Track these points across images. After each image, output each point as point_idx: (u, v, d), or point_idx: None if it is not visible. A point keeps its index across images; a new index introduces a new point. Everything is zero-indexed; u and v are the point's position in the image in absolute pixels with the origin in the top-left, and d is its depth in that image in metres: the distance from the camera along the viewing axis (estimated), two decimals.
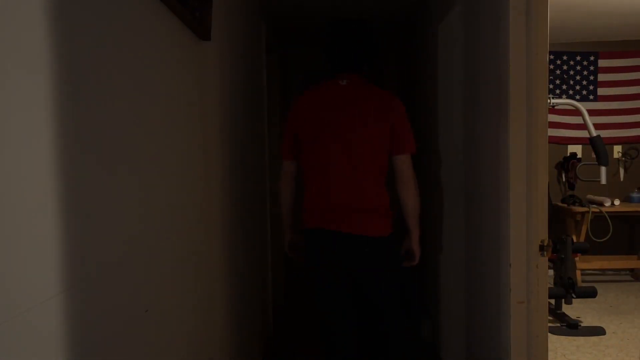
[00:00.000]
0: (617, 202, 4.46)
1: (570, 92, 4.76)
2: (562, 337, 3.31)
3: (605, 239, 4.46)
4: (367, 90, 2.03)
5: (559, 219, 4.64)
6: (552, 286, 3.65)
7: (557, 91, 4.77)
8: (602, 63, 4.74)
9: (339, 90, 2.03)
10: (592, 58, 4.74)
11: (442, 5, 2.80)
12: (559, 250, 3.61)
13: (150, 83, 1.16)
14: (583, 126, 3.86)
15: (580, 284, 4.38)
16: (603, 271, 4.88)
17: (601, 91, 4.75)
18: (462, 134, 2.40)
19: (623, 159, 4.80)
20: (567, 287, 3.47)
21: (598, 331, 3.35)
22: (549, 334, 2.70)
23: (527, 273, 1.72)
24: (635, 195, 4.59)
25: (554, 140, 4.65)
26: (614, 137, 4.73)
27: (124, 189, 1.00)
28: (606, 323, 3.52)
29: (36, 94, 0.72)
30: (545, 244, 1.69)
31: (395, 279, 2.11)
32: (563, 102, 3.61)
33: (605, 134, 4.39)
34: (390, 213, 2.05)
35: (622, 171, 4.82)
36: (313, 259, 2.08)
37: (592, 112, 4.45)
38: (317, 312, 2.19)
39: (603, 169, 3.34)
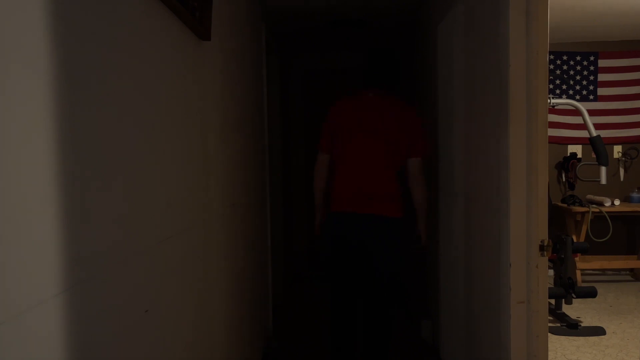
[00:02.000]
0: (617, 202, 4.46)
1: (570, 92, 4.76)
2: (562, 337, 3.31)
3: (605, 239, 4.46)
4: (390, 103, 2.51)
5: (559, 219, 4.64)
6: (552, 286, 3.65)
7: (557, 91, 4.77)
8: (602, 63, 4.74)
9: (368, 101, 2.52)
10: (592, 58, 4.74)
11: (442, 5, 2.80)
12: (559, 250, 3.61)
13: (149, 83, 1.16)
14: (583, 126, 3.86)
15: (580, 284, 4.38)
16: (603, 271, 4.88)
17: (601, 91, 4.75)
18: (462, 133, 2.40)
19: (623, 159, 4.80)
20: (567, 287, 3.47)
21: (598, 331, 3.35)
22: (549, 334, 2.70)
23: (527, 273, 1.72)
24: (635, 195, 4.59)
25: (554, 140, 4.65)
26: (614, 137, 4.73)
27: (123, 189, 1.00)
28: (606, 323, 3.52)
29: (35, 94, 0.72)
30: (545, 244, 1.69)
31: (399, 255, 2.56)
32: (563, 102, 3.61)
33: (605, 134, 4.39)
34: (401, 200, 2.52)
35: (622, 171, 4.82)
36: (335, 236, 2.54)
37: (592, 112, 4.45)
38: (331, 281, 2.65)
39: (603, 169, 3.34)
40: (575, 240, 4.11)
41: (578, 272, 4.43)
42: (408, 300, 3.97)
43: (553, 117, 4.63)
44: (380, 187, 2.45)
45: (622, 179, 4.81)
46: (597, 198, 4.51)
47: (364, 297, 2.58)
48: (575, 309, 3.81)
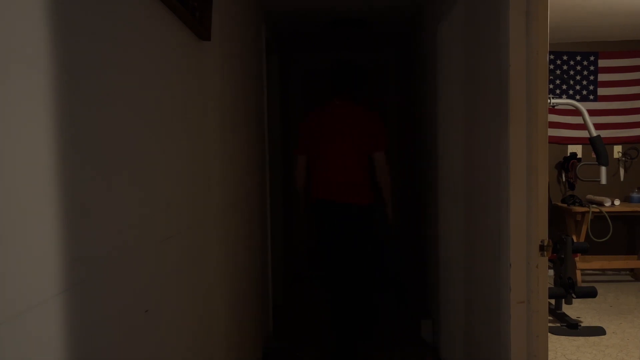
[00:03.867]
0: (617, 202, 4.46)
1: (570, 92, 4.76)
2: (562, 337, 3.31)
3: (605, 239, 4.46)
4: (353, 108, 2.97)
5: (559, 219, 4.64)
6: (552, 286, 3.65)
7: (557, 91, 4.77)
8: (602, 63, 4.74)
9: (336, 109, 2.98)
10: (592, 58, 4.74)
11: (443, 5, 2.80)
12: (559, 250, 3.61)
13: (149, 83, 1.16)
14: (583, 126, 3.86)
15: (580, 284, 4.38)
16: (603, 271, 4.88)
17: (601, 91, 4.75)
18: (462, 133, 2.40)
19: (623, 159, 4.80)
20: (567, 287, 3.47)
21: (598, 331, 3.35)
22: (549, 334, 2.70)
23: (527, 273, 1.72)
24: (635, 195, 4.59)
25: (554, 140, 4.65)
26: (614, 137, 4.73)
27: (123, 188, 1.00)
28: (606, 323, 3.52)
29: (36, 94, 0.72)
30: (545, 244, 1.69)
31: (371, 235, 3.03)
32: (563, 102, 3.61)
33: (605, 134, 4.39)
34: (369, 189, 2.96)
35: (622, 171, 4.82)
36: (319, 220, 3.03)
37: (592, 112, 4.45)
38: (322, 259, 3.17)
39: (603, 169, 3.34)
40: (575, 240, 4.11)
41: (578, 272, 4.43)
42: (406, 293, 4.01)
43: (553, 117, 4.63)
44: (349, 178, 2.92)
45: (622, 179, 4.81)
46: (597, 198, 4.51)
47: (346, 268, 3.06)
48: (575, 309, 3.81)
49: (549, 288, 2.33)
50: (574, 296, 3.48)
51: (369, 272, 3.10)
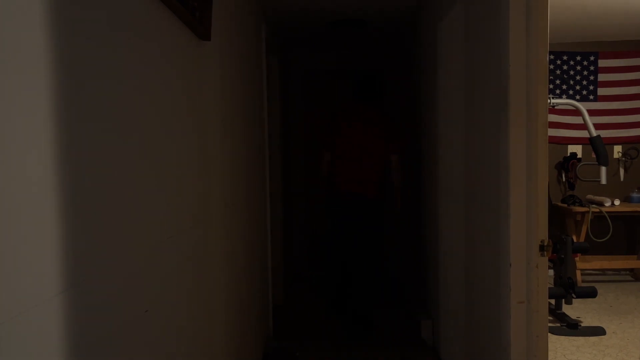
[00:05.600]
0: (617, 202, 4.46)
1: (570, 92, 4.76)
2: (562, 337, 3.31)
3: (605, 239, 4.46)
4: (374, 115, 3.51)
5: (559, 219, 4.64)
6: (552, 286, 3.65)
7: (557, 91, 4.77)
8: (602, 63, 4.74)
9: (359, 111, 3.51)
10: (592, 58, 4.74)
11: (442, 5, 2.80)
12: (559, 250, 3.61)
13: (149, 83, 1.16)
14: (583, 126, 3.86)
15: (580, 284, 4.38)
16: (603, 271, 4.88)
17: (601, 91, 4.75)
18: (462, 133, 2.40)
19: (623, 159, 4.80)
20: (567, 287, 3.47)
21: (598, 331, 3.35)
22: (549, 334, 2.70)
23: (527, 273, 1.72)
24: (635, 195, 4.59)
25: (554, 140, 4.65)
26: (614, 137, 4.73)
27: (124, 189, 1.00)
28: (606, 323, 3.52)
29: (36, 94, 0.72)
30: (545, 244, 1.69)
31: (379, 225, 3.58)
32: (563, 102, 3.61)
33: (605, 134, 4.39)
34: (382, 186, 3.51)
35: (622, 171, 4.82)
36: (337, 207, 3.57)
37: (592, 112, 4.45)
38: (331, 239, 3.75)
39: (603, 169, 3.34)
40: (575, 240, 4.11)
41: (578, 272, 4.43)
42: (406, 293, 4.08)
43: (553, 117, 4.63)
44: (368, 175, 3.43)
45: (622, 179, 4.81)
46: (597, 198, 4.51)
47: (354, 245, 3.55)
48: (575, 309, 3.81)
49: (549, 288, 2.33)
50: (574, 296, 3.48)
51: (374, 258, 3.58)
